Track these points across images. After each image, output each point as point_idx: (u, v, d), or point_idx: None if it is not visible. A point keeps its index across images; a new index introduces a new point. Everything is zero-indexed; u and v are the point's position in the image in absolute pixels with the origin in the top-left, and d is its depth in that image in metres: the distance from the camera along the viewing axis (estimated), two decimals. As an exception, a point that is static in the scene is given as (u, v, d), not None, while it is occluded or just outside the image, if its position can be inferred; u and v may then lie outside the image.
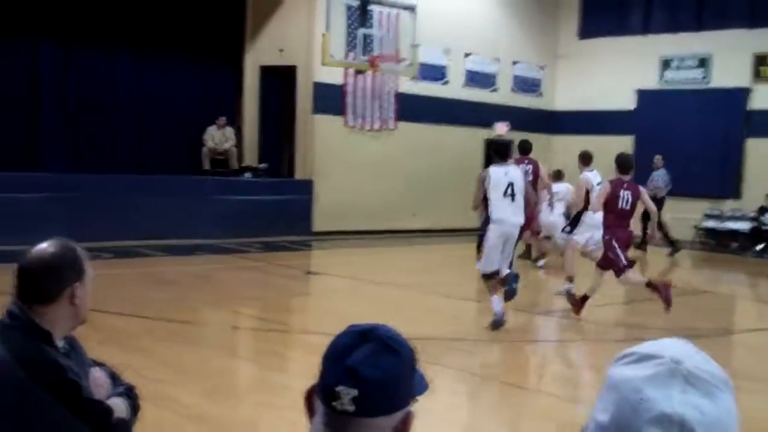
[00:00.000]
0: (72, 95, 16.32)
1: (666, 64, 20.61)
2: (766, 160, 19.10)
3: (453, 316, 10.48)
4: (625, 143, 20.47)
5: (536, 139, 20.64)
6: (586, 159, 12.21)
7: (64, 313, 2.74)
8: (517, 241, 10.11)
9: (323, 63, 16.50)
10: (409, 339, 1.50)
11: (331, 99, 17.59)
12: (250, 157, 18.53)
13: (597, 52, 21.50)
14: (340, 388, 1.38)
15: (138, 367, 6.19)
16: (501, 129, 20.04)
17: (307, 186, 17.36)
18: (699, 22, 19.97)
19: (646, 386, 1.17)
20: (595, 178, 11.79)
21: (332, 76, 17.39)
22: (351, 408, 1.37)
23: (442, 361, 7.59)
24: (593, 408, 1.25)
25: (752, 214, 19.09)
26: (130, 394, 2.96)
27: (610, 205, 9.64)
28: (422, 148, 18.90)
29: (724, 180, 19.65)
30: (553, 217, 13.89)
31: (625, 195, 9.63)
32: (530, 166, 11.92)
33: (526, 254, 14.61)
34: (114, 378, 2.99)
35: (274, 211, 16.61)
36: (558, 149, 21.91)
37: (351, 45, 17.21)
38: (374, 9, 17.54)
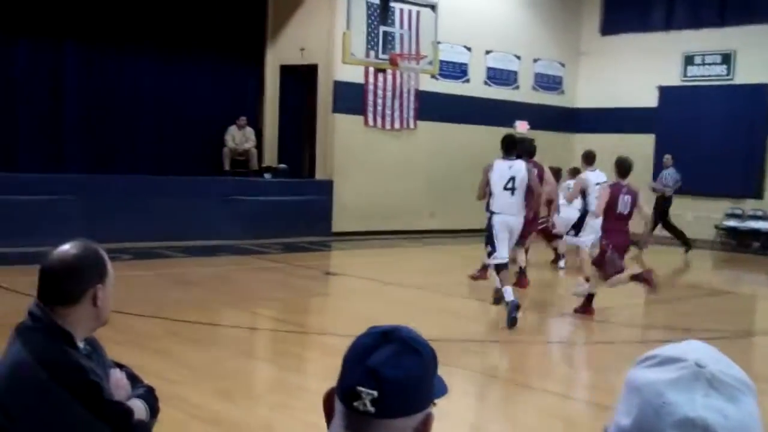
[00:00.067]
0: (94, 96, 16.41)
1: (689, 60, 20.45)
2: (790, 158, 18.96)
3: (471, 318, 10.47)
4: (647, 141, 20.43)
5: (557, 137, 20.72)
6: (589, 159, 12.31)
7: (86, 314, 2.74)
8: (523, 240, 10.43)
9: (344, 61, 16.51)
10: (428, 340, 1.49)
11: (351, 98, 17.59)
12: (270, 158, 18.57)
13: (619, 49, 21.38)
14: (360, 389, 1.37)
15: (156, 369, 6.22)
16: (522, 127, 19.99)
17: (326, 186, 17.36)
18: (722, 18, 19.81)
19: (669, 390, 1.16)
20: (598, 177, 11.78)
21: (353, 74, 17.39)
22: (371, 409, 1.37)
23: (459, 363, 7.57)
24: (615, 411, 1.24)
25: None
26: (149, 395, 2.96)
27: (609, 209, 9.69)
28: (442, 147, 18.88)
29: (747, 179, 19.47)
30: (570, 212, 13.74)
31: (625, 199, 9.69)
32: (535, 170, 11.89)
33: (556, 260, 14.42)
34: (134, 379, 2.99)
35: (293, 211, 16.63)
36: (579, 147, 21.82)
37: (372, 43, 17.21)
38: (395, 7, 17.53)
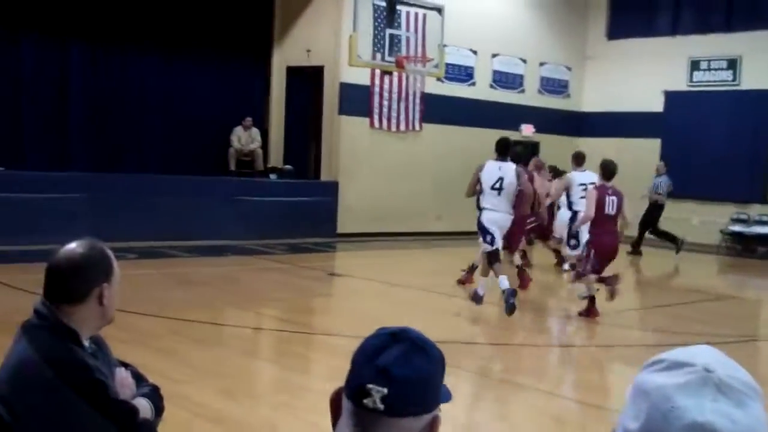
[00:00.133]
0: (100, 95, 16.44)
1: (695, 65, 20.43)
2: (796, 163, 18.93)
3: (475, 319, 10.46)
4: (652, 145, 20.41)
5: (563, 141, 20.69)
6: (578, 159, 12.44)
7: (92, 313, 2.75)
8: (515, 246, 10.89)
9: (350, 63, 16.51)
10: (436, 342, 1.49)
11: (357, 100, 17.60)
12: (276, 158, 18.58)
13: (625, 53, 21.36)
14: (370, 387, 1.38)
15: (160, 368, 6.22)
16: (527, 131, 19.98)
17: (332, 187, 17.37)
18: (728, 23, 19.78)
19: (677, 394, 1.16)
20: (585, 178, 11.80)
21: (359, 76, 17.40)
22: (381, 407, 1.37)
23: (463, 364, 7.57)
24: (622, 414, 1.23)
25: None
26: (154, 394, 2.97)
27: (597, 210, 9.83)
28: (448, 149, 18.87)
29: (752, 184, 19.43)
30: (565, 214, 13.68)
31: (611, 200, 9.86)
32: (525, 176, 11.96)
33: (560, 262, 14.40)
34: (139, 378, 2.99)
35: (298, 212, 16.64)
36: (585, 151, 21.80)
37: (378, 45, 17.20)
38: (402, 9, 17.52)
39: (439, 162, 18.77)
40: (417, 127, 18.68)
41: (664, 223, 18.74)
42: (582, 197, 11.36)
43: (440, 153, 18.76)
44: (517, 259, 11.77)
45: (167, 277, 12.09)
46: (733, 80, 19.89)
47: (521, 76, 20.97)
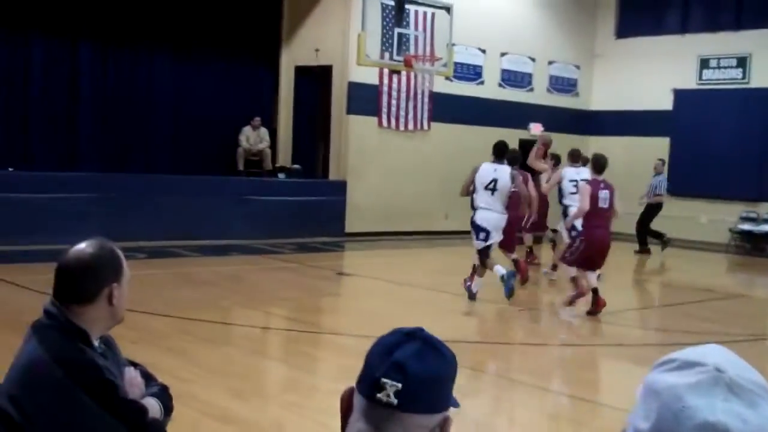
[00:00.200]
0: (109, 95, 16.50)
1: (704, 63, 20.37)
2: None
3: (482, 318, 10.47)
4: (662, 144, 20.37)
5: (572, 139, 20.62)
6: (574, 157, 12.51)
7: (102, 313, 2.75)
8: (512, 246, 11.27)
9: (359, 63, 16.53)
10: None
11: (365, 99, 17.60)
12: (284, 158, 18.60)
13: (634, 51, 21.31)
14: (385, 381, 1.38)
15: (169, 367, 6.23)
16: (536, 129, 19.95)
17: (340, 187, 17.37)
18: (738, 21, 19.72)
19: (688, 394, 1.15)
20: (579, 175, 11.88)
21: (367, 76, 17.40)
22: (394, 401, 1.38)
23: (470, 363, 7.56)
24: (632, 414, 1.23)
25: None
26: (163, 394, 2.97)
27: (590, 204, 10.00)
28: (456, 149, 18.84)
29: (762, 182, 19.35)
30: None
31: (603, 194, 10.03)
32: (519, 177, 12.02)
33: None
34: (148, 378, 2.99)
35: (307, 211, 16.65)
36: (594, 150, 21.77)
37: (386, 45, 17.22)
38: (410, 8, 17.52)
39: (448, 161, 18.74)
40: (425, 127, 18.67)
41: (672, 222, 18.72)
42: (572, 192, 11.67)
43: (449, 152, 18.73)
44: (513, 256, 11.84)
45: (176, 277, 12.11)
46: (743, 78, 19.82)
47: (530, 75, 20.95)
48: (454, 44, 18.05)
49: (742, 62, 19.81)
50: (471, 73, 19.55)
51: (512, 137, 19.86)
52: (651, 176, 18.44)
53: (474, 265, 11.45)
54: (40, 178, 13.91)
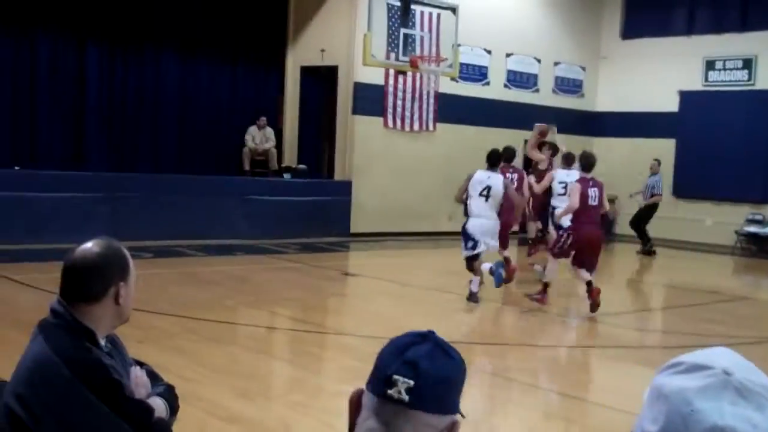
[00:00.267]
0: (115, 95, 16.53)
1: (710, 65, 20.33)
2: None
3: (487, 319, 10.47)
4: (667, 146, 20.34)
5: (577, 140, 20.60)
6: (567, 160, 12.57)
7: (108, 312, 2.76)
8: (505, 241, 11.34)
9: (364, 63, 16.53)
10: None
11: (371, 100, 17.59)
12: (290, 158, 18.61)
13: (640, 53, 21.28)
14: (397, 377, 1.40)
15: (174, 367, 6.23)
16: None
17: (345, 187, 17.37)
18: (744, 23, 19.68)
19: (697, 398, 1.15)
20: (566, 176, 11.92)
21: (373, 76, 17.40)
22: (405, 397, 1.39)
23: (475, 364, 7.55)
24: (640, 417, 1.23)
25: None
26: (169, 393, 2.97)
27: (580, 203, 10.19)
28: (461, 149, 18.83)
29: (768, 184, 19.34)
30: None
31: (593, 192, 10.23)
32: (515, 174, 12.24)
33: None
34: (154, 377, 3.00)
35: (312, 211, 16.66)
36: (599, 151, 21.76)
37: (392, 45, 17.22)
38: (416, 9, 17.52)
39: (453, 162, 18.72)
40: (431, 127, 18.67)
41: (678, 224, 18.72)
42: (561, 194, 11.85)
43: (454, 153, 18.72)
44: (505, 253, 11.90)
45: (181, 276, 12.12)
46: (749, 80, 19.78)
47: (535, 76, 20.93)
48: (459, 45, 18.04)
49: (747, 64, 19.77)
50: (476, 73, 19.53)
51: (517, 138, 19.90)
52: (647, 176, 18.49)
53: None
54: (46, 178, 13.93)
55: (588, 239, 10.29)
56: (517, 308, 10.66)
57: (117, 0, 16.18)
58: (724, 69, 20.17)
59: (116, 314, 2.79)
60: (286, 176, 17.53)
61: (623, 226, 19.34)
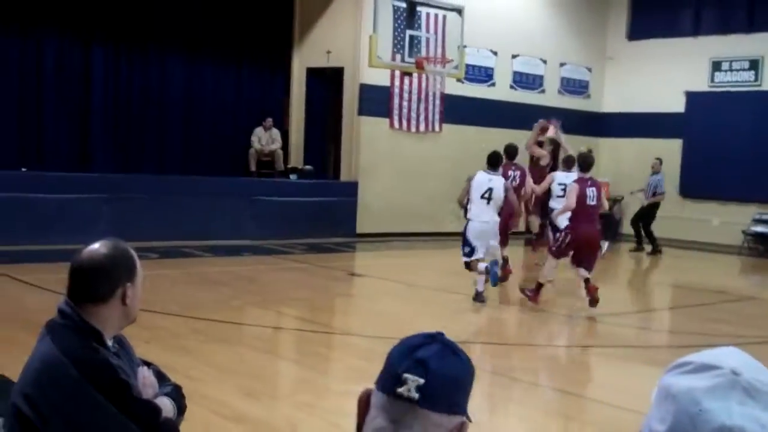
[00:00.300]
0: (121, 96, 16.55)
1: (716, 66, 20.28)
2: (819, 164, 18.76)
3: (493, 319, 10.46)
4: (674, 146, 20.30)
5: (583, 141, 20.57)
6: (567, 163, 12.59)
7: (116, 312, 2.76)
8: (504, 239, 11.44)
9: (370, 64, 16.52)
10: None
11: (377, 101, 17.60)
12: (296, 159, 18.63)
13: (646, 53, 21.24)
14: (407, 376, 1.41)
15: (181, 367, 6.24)
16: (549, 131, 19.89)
17: (351, 188, 17.38)
18: (751, 24, 19.63)
19: (705, 398, 1.15)
20: (566, 178, 11.98)
21: (379, 77, 17.40)
22: (415, 395, 1.40)
23: (481, 365, 7.55)
24: (648, 416, 1.23)
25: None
26: (176, 393, 2.98)
27: (578, 202, 10.34)
28: (467, 150, 18.80)
29: (775, 184, 19.28)
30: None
31: (591, 192, 10.39)
32: (517, 172, 12.32)
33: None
34: (161, 377, 3.00)
35: (318, 212, 16.67)
36: (605, 152, 21.74)
37: (398, 47, 17.21)
38: (422, 10, 17.52)
39: (459, 163, 18.69)
40: (436, 128, 18.67)
41: (685, 224, 18.68)
42: (560, 196, 11.91)
43: (460, 154, 18.70)
44: (506, 252, 11.96)
45: (188, 277, 12.14)
46: (755, 81, 19.73)
47: (541, 77, 20.91)
48: (465, 46, 18.01)
49: (754, 64, 19.72)
50: (482, 75, 19.53)
51: (523, 139, 19.88)
52: (648, 175, 18.49)
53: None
54: (52, 179, 13.96)
55: (586, 238, 10.45)
56: (524, 308, 10.65)
57: (123, 1, 16.21)
58: (731, 70, 20.12)
59: (123, 315, 2.79)
60: (293, 177, 17.55)
61: (629, 226, 19.31)
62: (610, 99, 22.20)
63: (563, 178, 12.07)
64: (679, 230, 19.32)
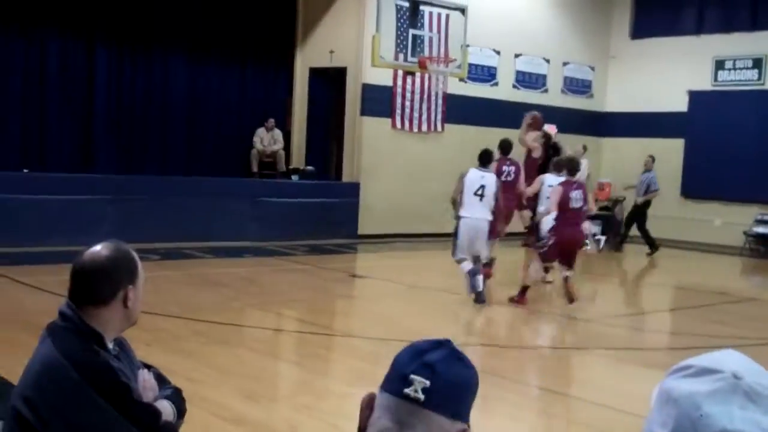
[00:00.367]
0: (124, 97, 16.56)
1: (719, 65, 20.27)
2: (822, 164, 18.73)
3: (495, 321, 10.46)
4: (676, 146, 20.29)
5: (586, 141, 20.58)
6: (558, 167, 12.57)
7: (117, 315, 2.76)
8: (494, 236, 11.33)
9: (373, 64, 16.54)
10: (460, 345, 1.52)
11: (379, 101, 17.59)
12: (298, 159, 18.63)
13: (649, 52, 21.24)
14: (414, 377, 1.43)
15: (181, 369, 6.24)
16: (551, 131, 19.90)
17: (353, 188, 17.37)
18: (754, 22, 19.61)
19: (706, 402, 1.15)
20: (556, 180, 11.96)
21: (381, 77, 17.40)
22: (421, 396, 1.42)
23: (483, 367, 7.54)
24: (649, 420, 1.22)
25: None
26: (176, 396, 2.98)
27: (562, 205, 10.53)
28: (470, 150, 18.75)
29: (778, 184, 19.26)
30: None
31: (576, 194, 10.59)
32: (512, 167, 12.45)
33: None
34: (161, 380, 3.00)
35: (320, 213, 16.66)
36: (608, 151, 21.76)
37: (401, 46, 17.23)
38: (424, 10, 17.53)
39: (461, 163, 18.64)
40: (439, 128, 18.66)
41: (686, 224, 18.67)
42: (548, 197, 11.92)
43: (462, 154, 18.66)
44: (494, 254, 11.97)
45: (189, 278, 12.13)
46: (759, 79, 19.71)
47: (544, 76, 20.90)
48: (468, 45, 18.04)
49: (757, 63, 19.70)
50: (485, 74, 19.52)
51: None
52: (640, 173, 18.49)
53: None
54: (54, 180, 13.96)
55: (569, 240, 10.62)
56: (524, 309, 10.64)
57: (126, 2, 16.22)
58: (734, 68, 20.11)
59: (125, 317, 2.79)
60: (294, 178, 17.55)
61: (635, 229, 19.24)
62: (613, 98, 22.19)
63: (553, 181, 12.08)
64: (681, 231, 19.31)
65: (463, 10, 17.71)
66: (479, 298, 10.57)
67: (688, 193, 20.21)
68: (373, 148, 17.61)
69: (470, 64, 18.54)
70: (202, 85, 17.52)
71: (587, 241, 16.44)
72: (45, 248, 12.44)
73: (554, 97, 20.98)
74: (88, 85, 16.07)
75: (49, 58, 15.62)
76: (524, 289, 10.88)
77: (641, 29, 21.72)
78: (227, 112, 17.83)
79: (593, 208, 11.56)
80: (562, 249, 10.66)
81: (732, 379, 1.16)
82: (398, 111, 17.94)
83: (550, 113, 20.45)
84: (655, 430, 1.20)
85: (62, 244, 11.57)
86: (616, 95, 22.07)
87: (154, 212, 14.39)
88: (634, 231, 18.90)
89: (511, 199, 12.03)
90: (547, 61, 20.85)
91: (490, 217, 10.76)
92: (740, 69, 20.00)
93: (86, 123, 16.10)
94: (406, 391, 1.42)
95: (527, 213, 13.53)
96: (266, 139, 17.80)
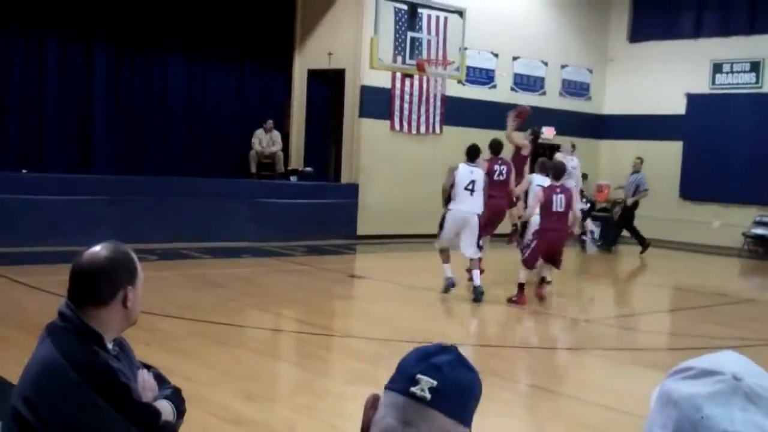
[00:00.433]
0: (122, 98, 16.55)
1: (717, 68, 20.29)
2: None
3: (493, 322, 10.45)
4: (674, 148, 20.31)
5: (584, 143, 20.60)
6: (543, 168, 12.67)
7: (116, 315, 2.76)
8: (487, 232, 11.77)
9: (371, 66, 16.53)
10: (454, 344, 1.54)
11: (378, 103, 17.59)
12: (297, 161, 18.63)
13: (647, 55, 21.26)
14: (421, 377, 1.43)
15: (180, 369, 6.24)
16: (548, 133, 19.91)
17: (352, 190, 17.37)
18: (751, 26, 19.64)
19: (706, 404, 1.15)
20: (544, 181, 11.99)
21: (380, 79, 17.40)
22: (428, 395, 1.42)
23: (483, 367, 7.53)
24: (649, 422, 1.23)
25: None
26: (176, 396, 2.98)
27: (545, 208, 10.76)
28: (468, 152, 18.81)
29: (775, 186, 19.28)
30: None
31: (558, 198, 10.75)
32: (504, 167, 12.48)
33: None
34: (161, 380, 3.00)
35: (319, 214, 16.66)
36: (606, 154, 21.77)
37: (399, 48, 17.22)
38: (423, 12, 17.53)
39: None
40: (437, 130, 18.66)
41: (685, 226, 18.68)
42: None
43: (460, 156, 18.61)
44: (481, 254, 12.02)
45: (188, 279, 12.13)
46: (756, 83, 19.74)
47: (542, 79, 20.91)
48: (466, 48, 18.02)
49: (755, 67, 19.73)
50: (483, 77, 19.52)
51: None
52: (628, 174, 18.52)
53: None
54: (53, 181, 13.96)
55: (550, 244, 10.82)
56: (525, 310, 10.64)
57: (125, 2, 16.21)
58: (732, 72, 20.13)
59: (124, 318, 2.79)
60: (293, 179, 17.55)
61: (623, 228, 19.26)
62: (611, 101, 22.21)
63: (541, 181, 12.10)
64: (679, 232, 19.33)
65: (461, 13, 17.70)
66: (448, 282, 10.98)
67: (687, 195, 20.23)
68: (372, 150, 17.61)
69: (468, 67, 18.53)
70: (200, 86, 17.52)
71: (586, 239, 16.53)
72: (44, 248, 12.44)
73: (552, 99, 20.99)
74: (86, 85, 16.07)
75: (47, 58, 15.61)
76: (521, 288, 10.89)
77: (639, 32, 21.74)
78: (226, 113, 17.83)
79: (578, 215, 11.78)
80: (546, 251, 10.85)
81: (732, 380, 1.16)
82: (397, 113, 17.94)
83: (548, 116, 20.48)
84: (655, 432, 1.21)
85: (61, 245, 11.58)
86: (614, 98, 22.08)
87: (152, 213, 14.39)
88: (626, 231, 18.93)
89: (502, 198, 12.16)
90: (546, 63, 20.86)
91: (479, 211, 11.00)
92: (738, 72, 20.02)
93: (85, 123, 16.09)
94: (413, 389, 1.43)
95: (517, 211, 13.55)
96: (265, 141, 17.80)
